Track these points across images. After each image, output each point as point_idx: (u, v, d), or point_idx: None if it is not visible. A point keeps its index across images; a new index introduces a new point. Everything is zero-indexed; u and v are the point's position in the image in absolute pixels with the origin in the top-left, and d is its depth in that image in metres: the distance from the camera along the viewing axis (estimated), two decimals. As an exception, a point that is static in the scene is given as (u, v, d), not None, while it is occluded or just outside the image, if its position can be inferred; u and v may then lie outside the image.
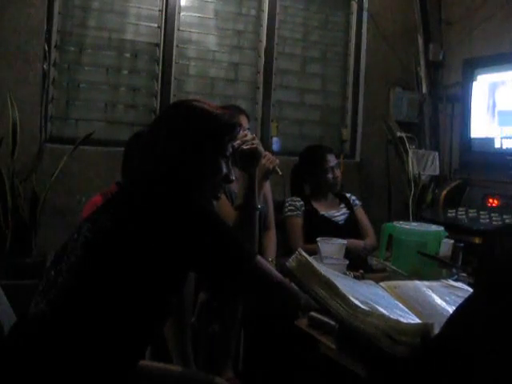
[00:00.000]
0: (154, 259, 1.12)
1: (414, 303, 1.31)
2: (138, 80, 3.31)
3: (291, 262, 1.23)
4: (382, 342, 1.00)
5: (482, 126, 3.19)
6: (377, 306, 1.11)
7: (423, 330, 0.97)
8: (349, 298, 1.11)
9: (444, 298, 1.37)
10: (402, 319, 1.06)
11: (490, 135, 3.13)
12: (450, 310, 1.27)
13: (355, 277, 1.73)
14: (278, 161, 1.95)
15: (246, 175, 1.62)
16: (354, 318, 1.07)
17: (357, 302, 1.09)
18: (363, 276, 1.79)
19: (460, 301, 0.92)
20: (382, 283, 1.46)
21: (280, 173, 2.01)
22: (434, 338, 0.92)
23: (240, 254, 1.18)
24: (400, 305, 1.25)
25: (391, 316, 1.07)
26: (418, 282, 1.48)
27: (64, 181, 2.91)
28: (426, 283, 1.47)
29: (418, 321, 1.16)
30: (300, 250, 1.26)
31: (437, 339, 0.90)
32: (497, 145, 3.08)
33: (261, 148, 1.67)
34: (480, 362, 0.76)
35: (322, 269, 1.23)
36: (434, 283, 1.50)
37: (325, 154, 2.73)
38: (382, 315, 1.05)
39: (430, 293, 1.39)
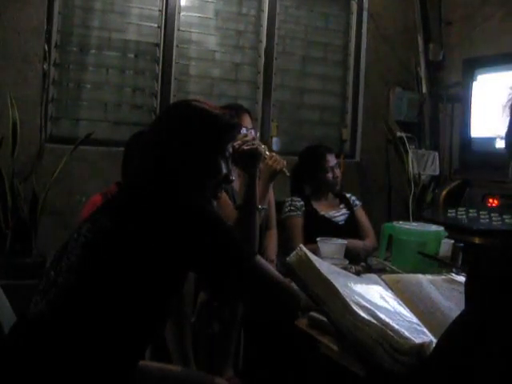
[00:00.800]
0: (154, 259, 1.12)
1: (415, 300, 1.29)
2: (138, 80, 3.31)
3: (292, 258, 1.23)
4: (380, 357, 1.00)
5: (482, 125, 3.19)
6: (377, 313, 1.09)
7: (420, 351, 0.96)
8: (348, 303, 1.09)
9: (446, 294, 1.35)
10: (402, 329, 1.04)
11: (489, 135, 3.13)
12: (452, 306, 1.26)
13: (356, 271, 1.71)
14: (285, 162, 1.95)
15: (246, 175, 1.62)
16: (352, 326, 1.06)
17: (356, 309, 1.07)
18: (364, 270, 1.78)
19: (462, 297, 0.91)
20: (384, 276, 1.44)
21: (288, 174, 2.01)
22: (430, 356, 0.91)
23: (239, 254, 1.18)
24: (402, 309, 1.23)
25: (392, 323, 1.06)
26: (420, 276, 1.45)
27: (64, 181, 2.91)
28: (430, 277, 1.44)
29: (417, 325, 1.15)
30: (301, 245, 1.26)
31: (432, 356, 0.89)
32: (497, 145, 3.07)
33: (261, 148, 1.67)
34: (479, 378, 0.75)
35: (323, 266, 1.21)
36: (437, 278, 1.47)
37: (324, 154, 2.73)
38: (381, 328, 1.03)
39: (431, 289, 1.37)
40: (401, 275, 1.50)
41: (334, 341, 1.20)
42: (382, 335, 1.02)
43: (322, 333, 1.28)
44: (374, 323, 1.05)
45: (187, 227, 1.13)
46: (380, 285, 1.36)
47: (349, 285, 1.21)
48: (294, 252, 1.24)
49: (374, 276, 1.47)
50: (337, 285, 1.14)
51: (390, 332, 1.02)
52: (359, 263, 1.92)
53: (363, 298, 1.16)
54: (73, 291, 1.11)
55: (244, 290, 1.22)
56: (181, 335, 1.87)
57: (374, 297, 1.22)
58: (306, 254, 1.22)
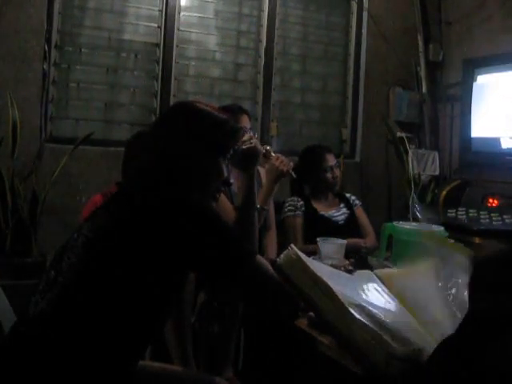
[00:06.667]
0: (154, 259, 1.12)
1: (408, 295, 1.27)
2: (137, 80, 3.31)
3: (281, 259, 1.17)
4: (374, 359, 1.00)
5: (482, 125, 3.19)
6: (373, 312, 1.08)
7: (411, 356, 0.96)
8: (343, 304, 1.07)
9: (438, 285, 1.33)
10: (398, 330, 1.04)
11: (490, 135, 3.13)
12: (442, 301, 1.25)
13: (348, 270, 1.66)
14: (291, 163, 1.95)
15: (245, 175, 1.61)
16: (347, 328, 1.05)
17: (352, 310, 1.06)
18: (355, 267, 1.74)
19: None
20: (377, 271, 1.41)
21: (294, 175, 2.00)
22: (427, 362, 0.91)
23: (239, 254, 1.18)
24: (397, 306, 1.22)
25: (389, 323, 1.05)
26: (417, 269, 1.40)
27: (64, 181, 2.91)
28: (426, 267, 1.39)
29: (411, 323, 1.14)
30: (292, 246, 1.20)
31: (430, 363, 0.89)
32: (503, 145, 3.07)
33: (259, 147, 1.67)
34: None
35: (315, 267, 1.17)
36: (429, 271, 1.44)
37: (324, 154, 2.74)
38: (376, 331, 1.02)
39: (425, 283, 1.35)
40: (394, 270, 1.47)
41: (334, 341, 1.20)
42: (376, 339, 1.01)
43: (322, 333, 1.28)
44: (369, 326, 1.04)
45: (187, 226, 1.13)
46: (374, 281, 1.33)
47: (343, 284, 1.18)
48: (284, 253, 1.18)
49: (367, 272, 1.42)
50: (331, 284, 1.11)
51: (385, 336, 1.02)
52: (359, 264, 1.89)
53: (359, 296, 1.15)
54: (73, 290, 1.11)
55: (244, 290, 1.21)
56: (181, 335, 1.87)
57: (369, 295, 1.20)
58: (296, 253, 1.17)
